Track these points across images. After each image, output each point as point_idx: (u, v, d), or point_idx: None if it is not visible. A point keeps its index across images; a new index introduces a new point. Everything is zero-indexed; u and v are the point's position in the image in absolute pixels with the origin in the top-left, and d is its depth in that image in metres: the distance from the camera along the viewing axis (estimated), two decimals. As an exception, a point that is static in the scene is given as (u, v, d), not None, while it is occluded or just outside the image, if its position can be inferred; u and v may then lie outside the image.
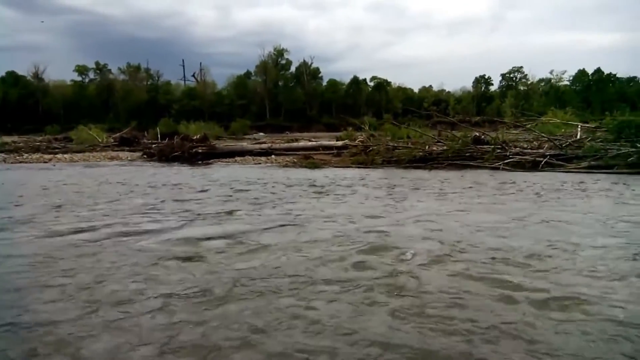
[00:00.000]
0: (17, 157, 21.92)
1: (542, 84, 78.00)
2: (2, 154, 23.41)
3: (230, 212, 7.66)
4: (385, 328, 3.27)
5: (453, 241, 5.54)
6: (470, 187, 10.53)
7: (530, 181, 11.36)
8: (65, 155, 22.70)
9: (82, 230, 6.26)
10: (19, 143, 29.69)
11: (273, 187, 10.98)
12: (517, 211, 7.51)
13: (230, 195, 9.61)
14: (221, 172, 15.23)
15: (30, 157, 22.27)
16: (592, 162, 13.72)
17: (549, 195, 9.30)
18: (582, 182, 11.11)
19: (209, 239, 5.79)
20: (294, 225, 6.62)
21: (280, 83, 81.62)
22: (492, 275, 4.32)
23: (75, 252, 5.20)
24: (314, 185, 11.15)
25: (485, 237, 5.75)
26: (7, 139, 34.04)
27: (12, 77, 76.36)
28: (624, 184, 10.76)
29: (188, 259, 4.94)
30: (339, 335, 3.15)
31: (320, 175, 13.67)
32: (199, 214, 7.48)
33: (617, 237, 5.75)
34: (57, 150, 25.52)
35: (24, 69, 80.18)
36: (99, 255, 5.08)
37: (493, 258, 4.86)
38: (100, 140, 29.34)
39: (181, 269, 4.60)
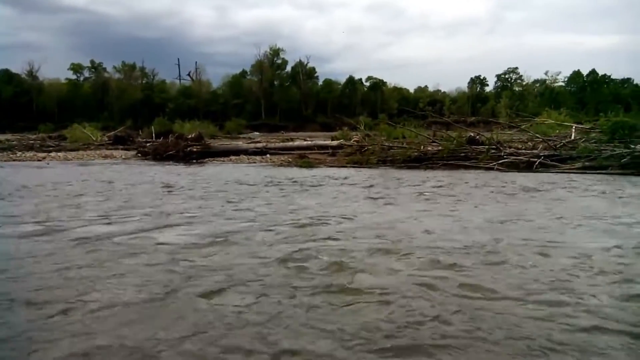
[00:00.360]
0: (11, 155, 21.82)
1: (537, 85, 78.29)
2: (-4, 152, 23.32)
3: (197, 211, 7.65)
4: (302, 327, 3.30)
5: (407, 241, 5.57)
6: (451, 187, 10.62)
7: (515, 181, 11.43)
8: (59, 154, 22.63)
9: (41, 231, 6.15)
10: (13, 141, 29.52)
11: (253, 186, 11.02)
12: (487, 211, 7.56)
13: (207, 194, 9.62)
14: (211, 171, 15.23)
15: (23, 155, 22.18)
16: (586, 163, 13.76)
17: (526, 195, 9.35)
18: (571, 182, 11.21)
19: (164, 238, 5.76)
20: (252, 223, 6.63)
21: (275, 82, 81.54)
22: (427, 273, 4.38)
23: (25, 254, 5.12)
24: (295, 185, 11.18)
25: (442, 237, 5.78)
26: (0, 137, 33.86)
27: (7, 75, 76.02)
28: (599, 182, 10.84)
29: (135, 259, 4.88)
30: (256, 334, 3.19)
31: (308, 174, 13.70)
32: (168, 214, 7.43)
33: (577, 236, 5.77)
34: (51, 148, 25.44)
35: (19, 67, 79.98)
36: (46, 256, 5.01)
37: (436, 256, 4.90)
38: (94, 138, 29.26)
39: (127, 269, 4.55)
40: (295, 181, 11.84)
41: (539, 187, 10.44)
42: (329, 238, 5.71)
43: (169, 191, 10.20)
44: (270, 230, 6.21)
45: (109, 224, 6.63)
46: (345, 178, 12.59)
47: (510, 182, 11.23)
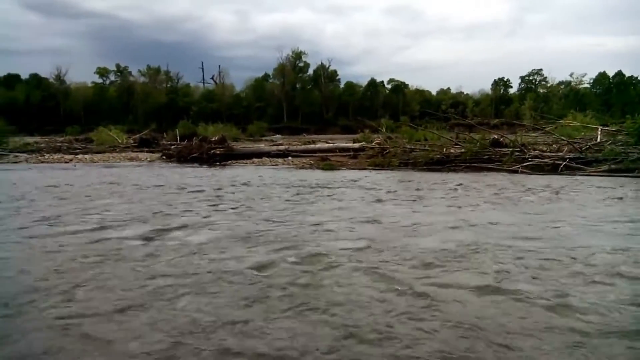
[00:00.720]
0: (39, 157, 22.36)
1: (562, 86, 77.10)
2: (25, 154, 23.91)
3: (195, 213, 7.76)
4: (260, 323, 3.36)
5: (388, 243, 5.61)
6: (463, 189, 10.62)
7: (527, 184, 11.38)
8: (86, 156, 23.09)
9: (26, 234, 6.27)
10: (41, 144, 30.19)
11: (261, 188, 11.11)
12: (485, 213, 7.58)
13: (214, 196, 9.72)
14: (232, 173, 15.40)
15: (51, 157, 22.70)
16: (612, 166, 13.54)
17: (537, 197, 9.31)
18: (589, 185, 11.09)
19: (134, 239, 5.84)
20: (239, 225, 6.72)
21: (297, 85, 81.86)
22: (392, 274, 4.42)
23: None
24: (305, 187, 11.22)
25: (417, 239, 5.80)
26: (29, 139, 34.66)
27: (35, 80, 77.78)
28: (617, 186, 10.67)
29: (100, 259, 4.95)
30: (203, 337, 3.22)
31: (323, 176, 13.80)
32: (166, 215, 7.54)
33: (550, 241, 5.70)
34: (78, 150, 25.96)
35: (46, 72, 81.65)
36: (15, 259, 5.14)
37: (404, 258, 4.94)
38: (120, 141, 29.73)
39: (84, 270, 4.61)
40: (309, 184, 11.83)
41: (556, 189, 10.37)
42: (308, 241, 5.74)
43: (174, 193, 10.33)
44: (256, 232, 6.24)
45: (101, 227, 6.65)
46: (359, 180, 12.61)
47: (527, 185, 11.16)
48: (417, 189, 10.71)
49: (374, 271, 4.51)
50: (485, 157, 15.60)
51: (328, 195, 9.80)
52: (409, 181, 12.32)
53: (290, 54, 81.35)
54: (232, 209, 8.21)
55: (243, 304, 3.74)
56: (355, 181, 12.37)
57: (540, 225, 6.65)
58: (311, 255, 5.07)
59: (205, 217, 7.39)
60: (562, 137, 17.37)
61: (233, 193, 10.20)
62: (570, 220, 6.98)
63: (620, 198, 9.07)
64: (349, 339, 3.13)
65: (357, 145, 21.56)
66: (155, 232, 6.26)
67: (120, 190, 10.88)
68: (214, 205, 8.64)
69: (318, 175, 14.08)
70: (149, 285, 4.19)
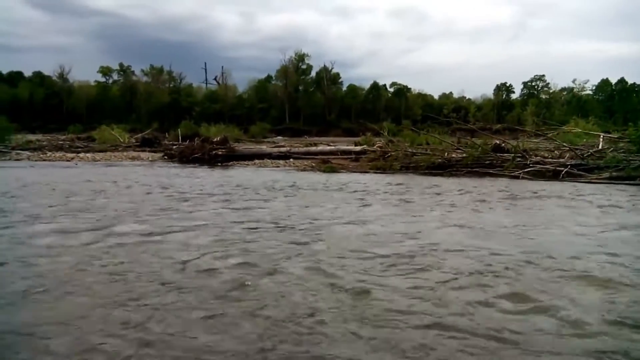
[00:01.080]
0: (41, 155, 22.42)
1: (564, 93, 77.07)
2: (27, 152, 23.95)
3: (160, 214, 7.66)
4: (192, 325, 3.38)
5: (341, 246, 5.62)
6: (441, 194, 10.58)
7: (512, 188, 11.46)
8: (88, 155, 23.12)
9: None
10: (43, 141, 30.21)
11: (252, 190, 11.00)
12: (453, 218, 7.59)
13: (195, 196, 9.73)
14: (228, 174, 15.41)
15: (53, 155, 22.75)
16: (614, 173, 13.52)
17: (503, 203, 9.30)
18: (573, 191, 11.12)
19: (90, 240, 5.78)
20: (209, 227, 6.65)
21: (300, 87, 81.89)
22: (337, 276, 4.45)
23: None
24: (298, 189, 11.21)
25: (380, 243, 5.80)
26: (31, 137, 34.68)
27: (39, 77, 77.91)
28: (610, 193, 10.64)
29: (45, 261, 4.89)
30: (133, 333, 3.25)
31: (314, 178, 13.83)
32: (135, 214, 7.52)
33: (511, 246, 5.68)
34: (79, 149, 25.98)
35: (50, 70, 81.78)
36: None
37: (357, 261, 4.96)
38: (122, 140, 29.76)
39: (22, 273, 4.58)
40: (302, 186, 11.78)
41: (548, 195, 10.36)
42: (271, 244, 5.68)
43: (158, 193, 10.28)
44: (224, 233, 6.22)
45: (62, 229, 6.49)
46: (354, 183, 12.61)
47: (523, 190, 11.16)
48: (409, 193, 10.71)
49: (319, 273, 4.53)
50: (487, 162, 15.59)
51: (314, 198, 9.77)
52: (403, 184, 12.34)
53: (293, 56, 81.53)
54: (213, 209, 8.15)
55: (178, 306, 3.72)
56: (347, 184, 12.35)
57: (509, 230, 6.65)
58: (266, 258, 5.02)
59: (176, 219, 7.25)
60: (564, 144, 17.34)
61: (220, 194, 10.14)
62: (545, 226, 6.94)
63: (612, 206, 8.98)
64: (276, 339, 3.16)
65: (358, 148, 21.58)
66: (113, 234, 6.13)
67: (106, 188, 10.89)
68: (192, 205, 8.58)
69: (316, 178, 14.07)
70: (85, 287, 4.16)
